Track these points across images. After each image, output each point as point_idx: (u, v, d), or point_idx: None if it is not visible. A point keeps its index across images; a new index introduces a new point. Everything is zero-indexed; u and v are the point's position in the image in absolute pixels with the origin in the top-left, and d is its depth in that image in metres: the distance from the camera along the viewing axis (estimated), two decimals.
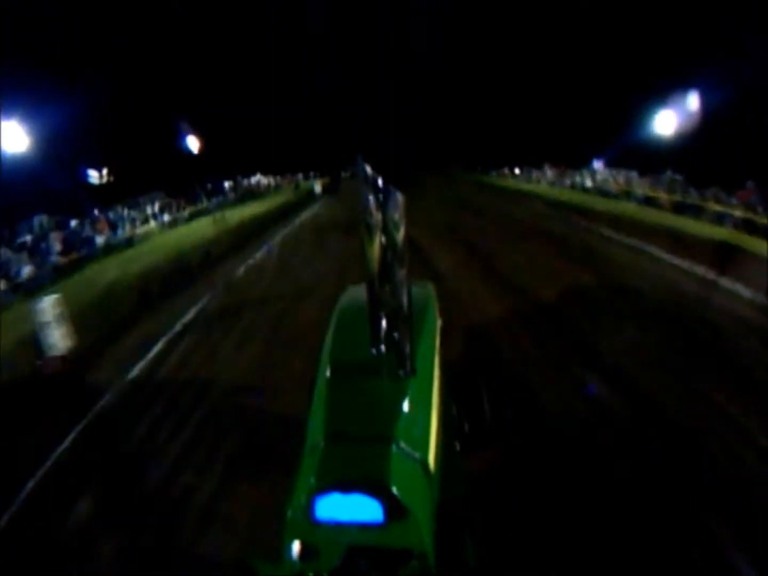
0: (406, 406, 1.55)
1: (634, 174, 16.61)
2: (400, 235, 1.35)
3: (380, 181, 1.28)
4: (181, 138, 18.28)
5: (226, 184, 24.75)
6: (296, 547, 1.43)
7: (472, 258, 8.47)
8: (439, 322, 2.03)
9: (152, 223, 14.60)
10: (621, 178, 17.21)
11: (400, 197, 1.29)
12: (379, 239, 1.38)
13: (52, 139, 11.95)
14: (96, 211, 14.24)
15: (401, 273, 1.43)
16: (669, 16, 15.34)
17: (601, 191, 17.46)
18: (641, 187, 15.46)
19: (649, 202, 14.23)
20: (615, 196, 16.20)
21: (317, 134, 26.58)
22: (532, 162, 26.81)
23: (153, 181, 17.46)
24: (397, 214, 1.30)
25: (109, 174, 16.37)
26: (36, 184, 11.64)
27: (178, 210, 17.16)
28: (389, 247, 1.39)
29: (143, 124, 17.22)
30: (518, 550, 2.04)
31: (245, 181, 27.59)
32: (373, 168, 1.24)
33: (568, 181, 21.10)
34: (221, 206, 19.65)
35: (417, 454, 1.48)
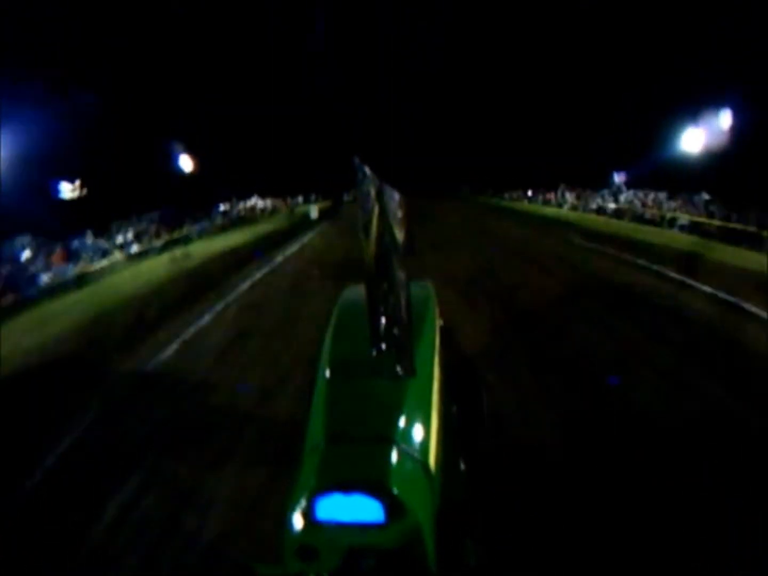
0: (406, 406, 1.78)
1: (662, 195, 17.20)
2: (399, 233, 1.65)
3: (379, 181, 1.58)
4: (173, 157, 19.26)
5: (222, 207, 26.09)
6: (296, 547, 1.63)
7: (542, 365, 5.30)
8: (439, 322, 2.30)
9: (117, 255, 14.51)
10: (650, 200, 17.81)
11: (398, 196, 1.59)
12: (378, 238, 1.64)
13: (25, 148, 12.29)
14: (89, 232, 14.68)
15: (400, 272, 1.71)
16: (693, 33, 16.53)
17: (635, 217, 17.58)
18: (679, 210, 15.75)
19: (694, 229, 14.13)
20: (653, 223, 16.24)
21: (319, 151, 28.30)
22: (544, 182, 28.00)
23: (137, 200, 17.95)
24: (397, 214, 1.60)
25: (81, 187, 16.73)
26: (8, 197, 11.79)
27: (157, 236, 17.58)
28: (388, 246, 1.66)
29: (129, 137, 18.14)
30: (518, 550, 2.20)
31: (241, 204, 28.89)
32: (372, 168, 1.55)
33: (593, 205, 21.80)
34: (202, 234, 20.31)
35: (417, 454, 1.69)
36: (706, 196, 15.32)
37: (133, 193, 17.94)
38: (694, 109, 14.85)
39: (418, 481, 1.65)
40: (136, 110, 18.46)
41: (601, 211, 20.81)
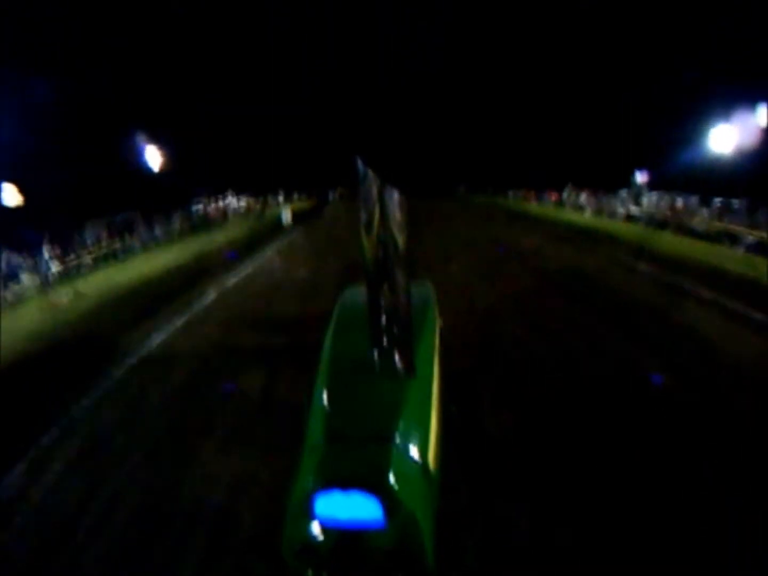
0: (405, 406, 2.10)
1: (692, 200, 17.82)
2: (400, 234, 2.02)
3: (380, 181, 1.95)
4: (138, 152, 19.54)
5: (195, 207, 27.26)
6: (296, 546, 1.96)
7: None
8: (439, 322, 2.67)
9: (25, 280, 13.81)
10: (679, 205, 18.49)
11: (399, 196, 1.96)
12: (378, 238, 1.99)
13: None
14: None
15: (400, 273, 2.01)
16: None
17: (680, 228, 17.08)
18: (714, 218, 16.13)
19: (760, 248, 13.36)
20: (708, 237, 15.63)
21: (309, 144, 29.83)
22: (546, 181, 29.10)
23: (89, 201, 18.25)
24: (398, 214, 1.96)
25: (20, 192, 16.64)
26: None
27: (89, 251, 17.57)
28: (389, 246, 1.98)
29: (87, 131, 18.57)
30: (518, 550, 2.49)
31: (212, 204, 29.96)
32: (373, 169, 1.91)
33: (620, 209, 22.34)
34: (148, 245, 20.52)
35: (417, 454, 2.03)
36: (736, 203, 15.68)
37: (83, 195, 18.17)
38: (725, 103, 15.53)
39: (417, 481, 1.96)
40: (100, 103, 19.01)
41: (631, 218, 20.82)
